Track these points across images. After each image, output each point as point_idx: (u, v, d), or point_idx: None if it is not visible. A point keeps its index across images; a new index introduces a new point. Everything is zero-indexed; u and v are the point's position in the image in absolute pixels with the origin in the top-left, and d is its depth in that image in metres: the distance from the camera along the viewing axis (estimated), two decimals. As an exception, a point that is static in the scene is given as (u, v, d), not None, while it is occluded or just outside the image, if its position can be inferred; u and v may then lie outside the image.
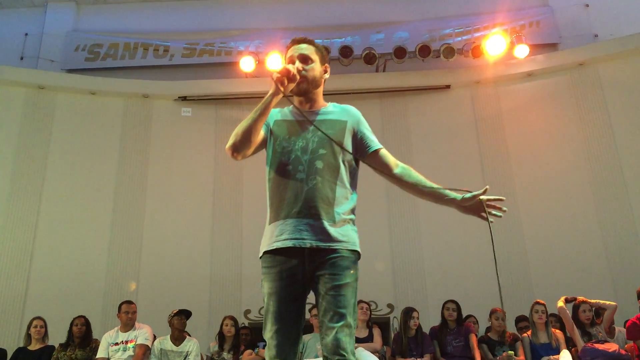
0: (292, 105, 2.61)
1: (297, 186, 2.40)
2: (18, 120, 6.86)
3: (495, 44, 7.00)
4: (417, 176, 2.63)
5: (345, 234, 2.42)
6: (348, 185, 2.54)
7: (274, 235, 2.39)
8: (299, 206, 2.37)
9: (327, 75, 2.70)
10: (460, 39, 7.61)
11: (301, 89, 2.54)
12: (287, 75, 2.42)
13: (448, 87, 7.28)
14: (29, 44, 7.84)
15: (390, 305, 6.60)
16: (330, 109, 2.64)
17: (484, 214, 2.63)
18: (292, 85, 2.46)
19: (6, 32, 7.96)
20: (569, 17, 7.73)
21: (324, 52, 2.73)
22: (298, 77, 2.47)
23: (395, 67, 7.30)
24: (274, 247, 2.37)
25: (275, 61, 6.85)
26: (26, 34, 7.91)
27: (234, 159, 2.48)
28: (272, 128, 2.58)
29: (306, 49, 2.64)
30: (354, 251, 2.43)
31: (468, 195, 2.61)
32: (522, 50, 7.03)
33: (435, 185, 2.61)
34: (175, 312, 5.26)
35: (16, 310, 6.28)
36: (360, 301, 5.45)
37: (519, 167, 6.84)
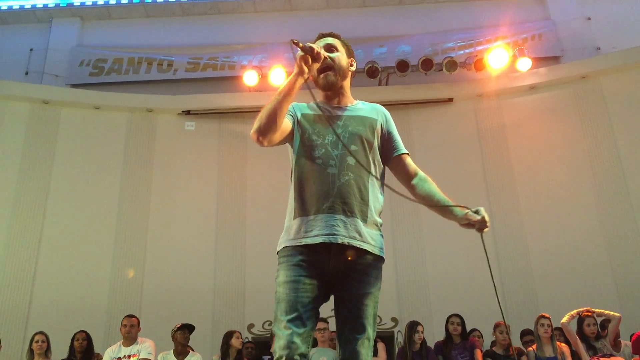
0: (319, 100, 2.48)
1: (329, 181, 2.28)
2: (23, 135, 6.89)
3: (498, 57, 7.02)
4: (428, 188, 2.55)
5: (375, 238, 2.32)
6: (377, 185, 2.46)
7: (301, 230, 2.25)
8: (331, 201, 2.25)
9: (353, 68, 2.58)
10: (462, 52, 7.63)
11: (329, 81, 2.43)
12: (311, 53, 2.27)
13: (451, 100, 7.29)
14: (34, 59, 7.90)
15: (394, 319, 6.57)
16: (360, 106, 2.55)
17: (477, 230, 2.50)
18: (316, 65, 2.33)
19: (11, 47, 8.02)
20: (571, 30, 7.75)
21: (350, 47, 2.62)
22: (323, 55, 2.33)
23: (398, 80, 7.32)
24: (302, 244, 2.23)
25: (279, 75, 6.88)
26: (31, 49, 7.97)
27: (259, 145, 2.28)
28: (300, 120, 2.44)
29: (331, 40, 2.55)
30: (381, 258, 2.34)
31: (464, 212, 2.50)
32: (524, 64, 7.04)
33: (442, 199, 2.53)
34: (178, 326, 5.24)
35: (19, 324, 6.26)
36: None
37: (523, 179, 6.83)
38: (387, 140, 2.55)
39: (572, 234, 6.48)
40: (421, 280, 6.62)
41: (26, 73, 7.78)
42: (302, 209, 2.30)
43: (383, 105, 2.71)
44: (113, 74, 7.82)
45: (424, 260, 6.69)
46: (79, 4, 8.08)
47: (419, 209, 6.85)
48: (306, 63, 2.27)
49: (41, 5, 8.06)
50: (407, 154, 2.59)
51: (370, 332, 2.23)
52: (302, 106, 2.50)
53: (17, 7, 8.06)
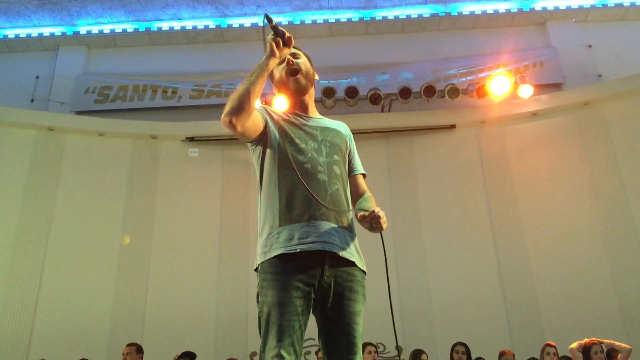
0: (286, 109, 2.43)
1: (321, 187, 2.19)
2: (27, 161, 6.92)
3: (500, 84, 7.07)
4: (360, 202, 2.36)
5: (359, 250, 2.25)
6: (350, 199, 2.38)
7: (294, 237, 2.10)
8: (325, 209, 2.15)
9: (317, 78, 2.53)
10: (464, 79, 7.68)
11: (300, 84, 2.37)
12: (282, 36, 2.22)
13: (453, 126, 7.32)
14: (40, 87, 7.98)
15: (398, 348, 6.49)
16: (328, 121, 2.50)
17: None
18: (287, 51, 2.26)
19: (18, 75, 8.11)
20: (573, 57, 7.82)
21: (310, 59, 2.55)
22: (293, 41, 2.26)
23: (401, 107, 7.36)
24: (297, 251, 2.08)
25: (282, 103, 6.91)
26: (37, 77, 8.06)
27: (231, 130, 2.13)
28: (279, 121, 2.33)
29: (293, 49, 2.45)
30: (365, 273, 2.26)
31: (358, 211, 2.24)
32: (526, 91, 7.08)
33: (364, 207, 2.27)
34: (179, 355, 5.19)
35: (21, 351, 6.20)
36: (368, 343, 5.36)
37: (526, 206, 6.81)
38: (349, 158, 2.49)
39: (577, 261, 6.44)
40: (425, 308, 6.56)
41: (32, 100, 7.85)
42: (292, 215, 2.16)
43: (386, 131, 2.71)
44: (118, 101, 7.89)
45: (428, 288, 6.64)
46: (85, 32, 8.19)
47: (422, 236, 6.84)
48: (277, 46, 2.21)
49: (48, 34, 8.17)
50: (364, 174, 2.52)
51: (361, 352, 2.15)
52: (274, 109, 2.42)
53: (25, 35, 8.17)
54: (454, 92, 7.14)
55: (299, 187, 2.17)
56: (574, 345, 5.04)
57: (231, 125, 2.11)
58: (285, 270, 2.09)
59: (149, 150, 7.31)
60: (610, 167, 6.68)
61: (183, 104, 7.85)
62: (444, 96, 7.15)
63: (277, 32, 2.22)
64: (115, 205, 6.97)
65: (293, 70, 2.36)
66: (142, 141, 7.33)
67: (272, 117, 2.35)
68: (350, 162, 2.49)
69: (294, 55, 2.42)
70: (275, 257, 2.11)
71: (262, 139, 2.31)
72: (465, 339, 5.60)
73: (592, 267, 6.39)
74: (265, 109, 2.38)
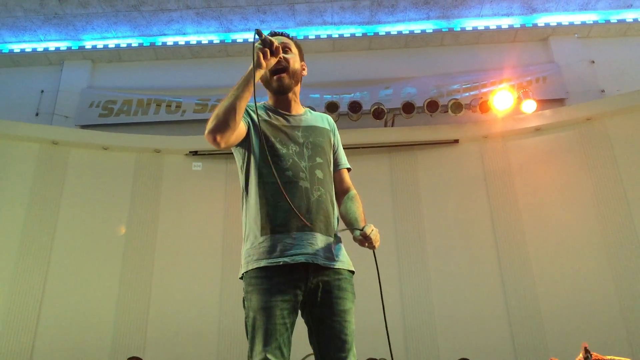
0: (269, 107, 2.36)
1: (303, 195, 2.15)
2: (31, 175, 6.94)
3: (503, 99, 7.09)
4: (349, 206, 2.35)
5: (344, 253, 2.27)
6: (335, 199, 2.36)
7: (277, 249, 2.09)
8: (307, 218, 2.12)
9: (305, 73, 2.46)
10: (467, 94, 7.71)
11: (283, 84, 2.30)
12: (270, 47, 2.17)
13: (456, 141, 7.33)
14: (45, 101, 8.02)
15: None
16: (310, 116, 2.43)
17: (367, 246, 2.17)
18: (274, 60, 2.20)
19: (23, 89, 8.16)
20: (576, 73, 7.84)
21: (302, 50, 2.49)
22: (281, 51, 2.22)
23: (404, 121, 7.38)
24: (280, 264, 2.06)
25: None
26: (42, 91, 8.11)
27: (215, 146, 2.09)
28: (260, 124, 2.24)
29: (284, 39, 2.41)
30: (352, 272, 2.27)
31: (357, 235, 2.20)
32: (529, 106, 7.10)
33: (352, 219, 2.29)
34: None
35: (21, 367, 6.18)
36: (371, 359, 5.33)
37: (529, 220, 6.79)
38: (335, 153, 2.47)
39: (580, 276, 6.41)
40: (429, 323, 6.52)
41: (36, 114, 7.89)
42: (274, 225, 2.13)
43: (389, 146, 2.69)
44: (122, 115, 7.92)
45: (432, 302, 6.60)
46: (90, 47, 8.25)
47: (425, 250, 6.82)
48: (264, 56, 2.15)
49: (53, 48, 8.23)
50: (349, 169, 2.49)
51: (354, 350, 2.11)
52: (257, 108, 2.32)
53: (30, 50, 8.23)
54: (457, 107, 7.16)
55: (280, 196, 2.12)
56: (578, 358, 4.99)
57: (215, 142, 2.08)
58: (270, 274, 2.08)
59: (152, 164, 7.33)
60: (614, 181, 6.66)
61: (187, 118, 7.88)
62: (447, 111, 7.18)
63: (265, 42, 2.17)
64: (118, 219, 6.97)
65: (277, 69, 2.29)
66: (145, 155, 7.35)
67: (253, 120, 2.29)
68: (335, 157, 2.45)
69: (283, 48, 2.33)
70: (258, 268, 2.11)
71: (245, 143, 2.27)
72: (469, 354, 5.56)
73: (596, 282, 6.35)
74: (247, 111, 2.32)
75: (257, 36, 2.16)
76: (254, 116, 2.28)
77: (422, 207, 7.00)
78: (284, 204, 2.12)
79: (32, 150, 7.08)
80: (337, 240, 2.27)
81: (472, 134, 7.32)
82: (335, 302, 2.12)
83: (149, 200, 7.12)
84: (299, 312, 2.16)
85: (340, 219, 2.38)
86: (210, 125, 2.08)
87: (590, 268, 6.41)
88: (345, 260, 2.24)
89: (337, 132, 2.54)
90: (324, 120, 2.49)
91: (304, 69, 2.47)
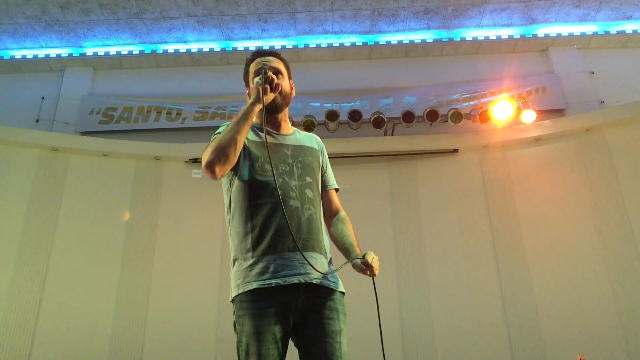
0: (257, 126, 2.38)
1: (293, 215, 2.15)
2: (31, 181, 6.94)
3: (503, 109, 7.11)
4: (341, 230, 2.37)
5: (336, 275, 2.26)
6: (323, 220, 2.35)
7: (268, 270, 2.08)
8: (299, 238, 2.12)
9: (293, 93, 2.49)
10: (467, 104, 7.73)
11: (276, 105, 2.33)
12: (271, 84, 2.22)
13: (456, 150, 7.33)
14: (45, 107, 8.04)
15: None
16: (299, 135, 2.46)
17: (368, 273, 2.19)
18: (272, 96, 2.25)
19: (24, 95, 8.18)
20: (575, 84, 7.87)
21: (289, 68, 2.51)
22: (280, 87, 2.28)
23: (404, 131, 7.39)
24: (272, 285, 2.05)
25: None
26: (43, 98, 8.12)
27: (212, 178, 2.10)
28: (248, 146, 2.27)
29: (275, 62, 2.43)
30: (343, 294, 2.28)
31: (354, 260, 2.23)
32: (529, 116, 7.12)
33: (348, 244, 2.32)
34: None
35: (18, 374, 6.16)
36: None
37: (529, 230, 6.79)
38: (324, 174, 2.47)
39: (579, 287, 6.40)
40: (428, 333, 6.50)
41: (37, 120, 7.90)
42: (265, 247, 2.12)
43: (389, 155, 2.70)
44: (122, 122, 7.93)
45: (430, 313, 6.59)
46: (91, 54, 8.28)
47: (424, 260, 6.81)
48: (265, 92, 2.19)
49: (55, 55, 8.25)
50: (337, 189, 2.51)
51: None
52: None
53: (31, 56, 8.26)
54: (457, 116, 7.17)
55: (270, 217, 2.13)
56: None
57: (214, 174, 2.08)
58: (261, 298, 2.07)
59: (152, 170, 7.33)
60: (613, 192, 6.67)
61: (187, 125, 7.89)
62: (447, 120, 7.19)
63: (267, 79, 2.21)
64: (117, 226, 6.96)
65: (278, 87, 2.30)
66: (145, 162, 7.35)
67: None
68: (323, 178, 2.46)
69: (275, 73, 2.35)
70: (250, 290, 2.10)
71: (234, 168, 2.26)
72: (467, 365, 5.55)
73: (594, 293, 6.33)
74: None
75: (264, 71, 2.23)
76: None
77: (422, 216, 7.00)
78: (274, 224, 2.12)
79: (32, 156, 7.08)
80: (329, 261, 2.27)
81: (471, 144, 7.33)
82: (326, 322, 2.11)
83: (148, 207, 7.11)
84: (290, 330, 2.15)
85: (330, 240, 2.39)
86: (210, 157, 2.07)
87: (589, 278, 6.40)
88: (336, 281, 2.25)
89: (325, 152, 2.54)
90: (312, 140, 2.50)
91: (292, 89, 2.49)
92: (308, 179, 2.27)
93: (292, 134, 2.45)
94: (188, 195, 7.24)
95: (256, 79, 2.23)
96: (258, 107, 2.18)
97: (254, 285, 2.08)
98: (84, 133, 7.80)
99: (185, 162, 7.39)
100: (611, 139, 6.92)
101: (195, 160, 7.34)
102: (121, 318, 6.55)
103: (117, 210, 7.05)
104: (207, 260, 6.88)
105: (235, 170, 2.26)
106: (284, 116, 2.44)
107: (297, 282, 2.07)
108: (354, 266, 2.20)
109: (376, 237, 6.76)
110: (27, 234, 6.70)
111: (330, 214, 2.45)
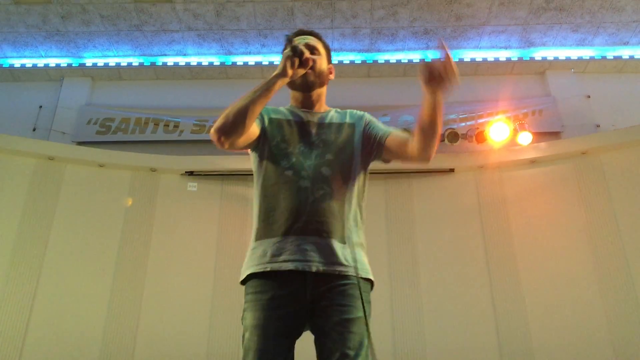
0: (290, 105, 2.25)
1: (301, 196, 1.96)
2: (25, 190, 6.91)
3: (499, 130, 7.14)
4: (416, 124, 2.06)
5: (359, 259, 2.00)
6: (357, 203, 2.13)
7: (267, 254, 1.96)
8: (303, 220, 1.93)
9: (332, 77, 2.38)
10: (464, 124, 7.76)
11: (308, 82, 2.18)
12: (300, 57, 2.04)
13: (452, 170, 7.35)
14: (43, 116, 8.04)
15: (391, 393, 6.38)
16: (334, 113, 2.30)
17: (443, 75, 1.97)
18: (301, 71, 2.09)
19: (22, 104, 8.18)
20: (571, 107, 7.92)
21: (330, 51, 2.39)
22: (311, 62, 2.10)
23: (400, 149, 7.39)
24: (267, 270, 1.93)
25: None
26: (40, 107, 8.12)
27: (218, 146, 1.94)
28: (267, 126, 2.14)
29: (313, 40, 2.29)
30: (368, 280, 2.02)
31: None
32: (525, 138, 7.15)
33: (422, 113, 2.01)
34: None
35: (5, 383, 6.09)
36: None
37: (523, 252, 6.79)
38: (370, 138, 2.24)
39: (572, 309, 6.38)
40: (420, 354, 6.46)
41: (34, 129, 7.89)
42: (269, 229, 1.99)
43: (385, 173, 2.63)
44: (119, 133, 7.93)
45: (423, 333, 6.55)
46: (91, 64, 8.30)
47: (418, 279, 6.79)
48: (292, 65, 2.02)
49: (54, 65, 8.27)
50: (395, 130, 2.26)
51: None
52: (269, 109, 2.22)
53: (31, 65, 8.27)
54: (454, 136, 7.20)
55: (276, 196, 1.99)
56: None
57: (219, 142, 1.94)
58: (263, 289, 1.94)
59: (147, 182, 7.32)
60: (608, 215, 6.68)
61: (184, 138, 7.89)
62: (444, 140, 7.21)
63: (296, 50, 2.03)
64: (111, 236, 6.93)
65: (308, 62, 2.11)
66: (141, 173, 7.34)
67: (263, 123, 2.16)
68: (374, 140, 2.22)
69: (311, 50, 2.21)
70: (251, 276, 2.00)
71: (258, 146, 2.15)
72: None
73: (588, 316, 6.32)
74: (262, 114, 2.18)
75: (287, 42, 2.06)
76: (265, 118, 2.18)
77: (416, 235, 6.99)
78: (280, 206, 1.98)
79: (28, 165, 7.06)
80: (354, 246, 2.02)
81: (467, 164, 7.35)
82: (336, 309, 1.86)
83: (142, 219, 7.09)
84: (304, 328, 1.97)
85: (362, 224, 2.18)
86: (218, 123, 1.91)
87: (582, 300, 6.39)
88: (354, 265, 1.96)
89: (365, 118, 2.32)
90: (349, 116, 2.31)
91: (331, 72, 2.36)
92: (328, 156, 2.07)
93: (326, 113, 2.28)
94: (183, 208, 7.22)
95: (285, 51, 2.05)
96: (283, 81, 2.02)
97: (250, 270, 1.99)
98: (80, 143, 7.79)
99: (181, 174, 7.38)
100: (606, 162, 6.95)
101: (192, 173, 7.34)
102: (112, 329, 6.49)
103: (112, 221, 7.02)
104: (200, 274, 6.84)
105: (257, 146, 2.14)
106: (318, 97, 2.28)
107: (292, 268, 1.88)
108: (425, 81, 1.91)
109: (370, 255, 6.73)
110: (21, 242, 6.66)
111: (406, 143, 2.13)
